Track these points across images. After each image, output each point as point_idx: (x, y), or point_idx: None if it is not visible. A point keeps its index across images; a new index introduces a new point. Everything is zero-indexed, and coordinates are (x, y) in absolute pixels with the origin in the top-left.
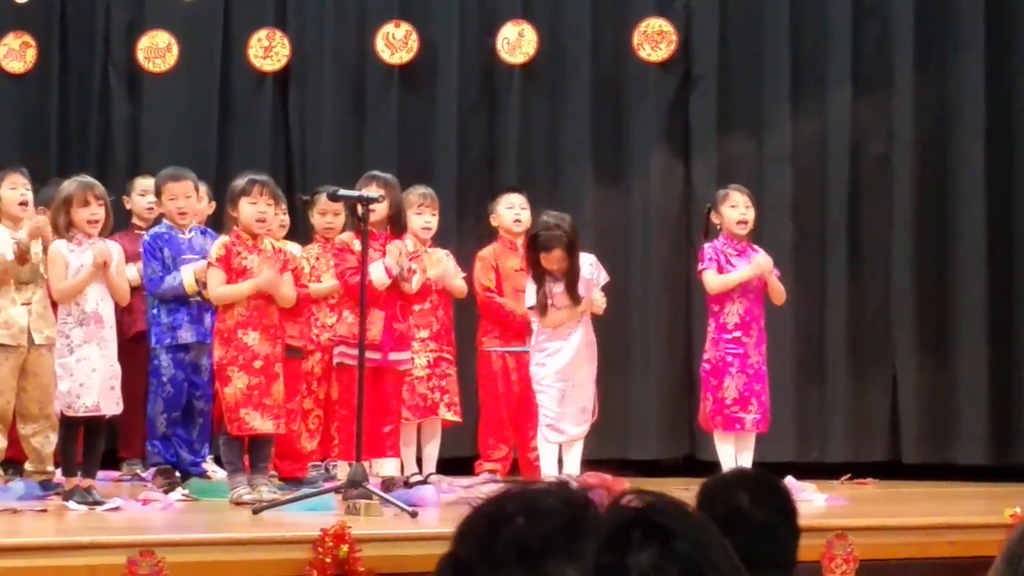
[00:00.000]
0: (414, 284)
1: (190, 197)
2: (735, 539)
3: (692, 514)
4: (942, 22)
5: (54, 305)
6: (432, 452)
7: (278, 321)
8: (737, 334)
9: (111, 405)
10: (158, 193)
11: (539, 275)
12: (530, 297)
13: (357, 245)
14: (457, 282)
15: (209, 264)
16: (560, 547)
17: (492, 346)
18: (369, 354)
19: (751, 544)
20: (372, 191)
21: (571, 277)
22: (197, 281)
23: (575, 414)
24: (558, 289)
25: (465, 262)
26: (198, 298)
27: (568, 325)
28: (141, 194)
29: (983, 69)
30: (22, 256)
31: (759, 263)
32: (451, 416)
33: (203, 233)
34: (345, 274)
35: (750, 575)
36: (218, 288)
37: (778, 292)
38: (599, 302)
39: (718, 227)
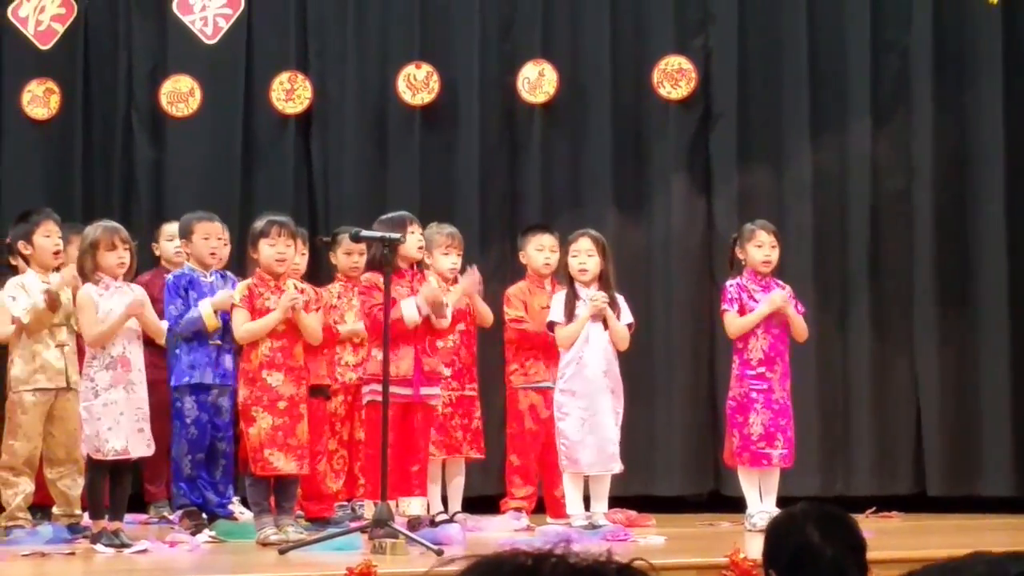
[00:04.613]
0: (447, 318)
1: (221, 239)
2: (805, 574)
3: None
4: (960, 55)
5: (79, 348)
6: (457, 490)
7: (303, 362)
8: (761, 370)
9: (141, 447)
10: (188, 233)
11: (570, 286)
12: (555, 311)
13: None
14: (482, 304)
15: (234, 306)
16: None
17: (520, 383)
18: (400, 389)
19: None
20: (414, 230)
21: (604, 277)
22: (216, 312)
23: (595, 447)
24: (588, 292)
25: (489, 301)
26: (218, 340)
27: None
28: (169, 239)
29: (1002, 102)
30: (52, 303)
31: (772, 299)
32: (474, 454)
33: (223, 277)
34: (372, 311)
35: None
36: (242, 327)
37: (799, 328)
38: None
39: (743, 262)
